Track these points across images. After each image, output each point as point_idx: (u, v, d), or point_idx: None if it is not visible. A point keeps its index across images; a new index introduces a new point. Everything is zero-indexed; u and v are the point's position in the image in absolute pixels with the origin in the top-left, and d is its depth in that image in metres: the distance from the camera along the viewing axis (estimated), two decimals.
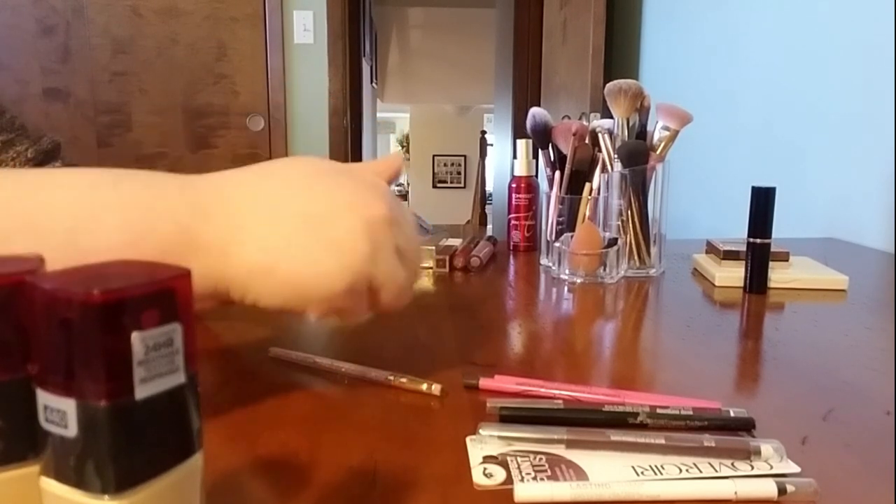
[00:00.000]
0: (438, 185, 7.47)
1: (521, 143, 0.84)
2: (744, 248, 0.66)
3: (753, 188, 0.64)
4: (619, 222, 0.72)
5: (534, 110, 0.79)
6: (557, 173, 0.76)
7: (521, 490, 0.29)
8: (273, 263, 0.34)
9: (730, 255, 0.69)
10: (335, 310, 0.36)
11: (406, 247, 0.38)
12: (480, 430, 0.33)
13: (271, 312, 0.36)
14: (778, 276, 0.66)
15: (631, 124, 0.74)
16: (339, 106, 2.75)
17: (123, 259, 0.21)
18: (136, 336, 0.17)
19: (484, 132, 5.73)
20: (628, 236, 0.72)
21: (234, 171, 0.37)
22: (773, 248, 0.65)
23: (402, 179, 8.20)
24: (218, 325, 0.52)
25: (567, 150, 0.75)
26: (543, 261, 0.76)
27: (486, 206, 5.44)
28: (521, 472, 0.30)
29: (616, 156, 0.72)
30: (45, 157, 0.60)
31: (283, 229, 0.34)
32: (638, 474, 0.30)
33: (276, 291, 0.34)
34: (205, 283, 0.33)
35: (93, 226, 0.31)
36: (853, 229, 1.02)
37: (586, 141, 0.76)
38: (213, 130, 2.73)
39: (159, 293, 0.18)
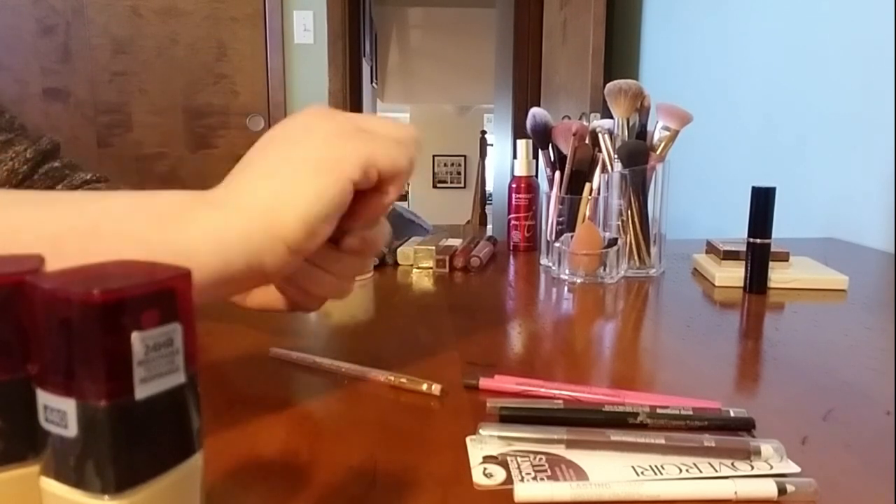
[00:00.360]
0: (438, 185, 7.48)
1: (521, 143, 0.84)
2: (744, 248, 0.66)
3: (753, 188, 0.64)
4: (619, 222, 0.72)
5: (534, 110, 0.79)
6: (557, 173, 0.76)
7: (521, 490, 0.29)
8: (288, 178, 0.33)
9: (730, 255, 0.69)
10: (371, 159, 0.35)
11: (363, 123, 0.37)
12: (480, 430, 0.33)
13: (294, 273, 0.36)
14: (778, 276, 0.66)
15: (631, 124, 0.74)
16: (340, 106, 2.75)
17: (124, 260, 0.21)
18: (136, 336, 0.17)
19: (484, 132, 5.74)
20: (628, 236, 0.72)
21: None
22: (773, 248, 0.65)
23: None
24: (218, 325, 0.52)
25: (567, 150, 0.75)
26: (543, 261, 0.76)
27: (486, 206, 5.44)
28: (521, 472, 0.30)
29: (616, 156, 0.72)
30: (44, 158, 0.60)
31: (281, 167, 0.34)
32: (638, 474, 0.30)
33: (305, 188, 0.33)
34: (228, 232, 0.32)
35: (98, 197, 0.32)
36: (853, 229, 1.02)
37: (586, 141, 0.76)
38: (213, 130, 2.73)
39: (159, 293, 0.18)
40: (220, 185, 0.35)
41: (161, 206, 0.32)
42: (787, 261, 0.69)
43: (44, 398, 0.18)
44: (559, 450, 0.32)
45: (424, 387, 0.39)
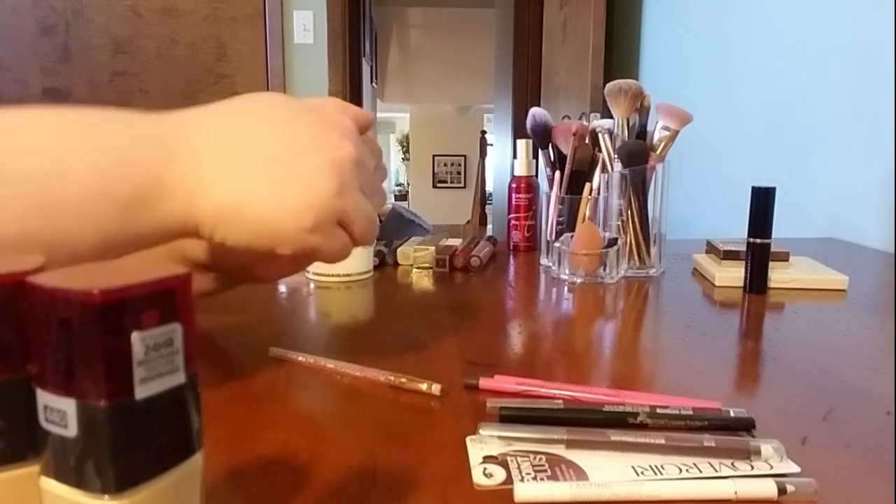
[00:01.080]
0: (438, 185, 7.48)
1: (521, 143, 0.84)
2: (744, 248, 0.66)
3: (753, 188, 0.64)
4: (619, 222, 0.72)
5: (534, 110, 0.79)
6: (557, 173, 0.76)
7: (521, 490, 0.29)
8: (239, 201, 0.34)
9: (730, 255, 0.69)
10: (308, 249, 0.36)
11: (369, 187, 0.39)
12: (480, 430, 0.33)
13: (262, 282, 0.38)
14: (778, 276, 0.66)
15: (631, 124, 0.74)
16: None
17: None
18: (136, 336, 0.17)
19: (484, 132, 5.74)
20: (628, 236, 0.72)
21: (200, 109, 0.36)
22: (773, 248, 0.65)
23: (402, 179, 8.21)
24: (218, 325, 0.52)
25: (567, 150, 0.75)
26: (543, 261, 0.76)
27: (486, 206, 5.44)
28: (521, 472, 0.30)
29: (616, 156, 0.72)
30: None
31: (248, 167, 0.34)
32: (638, 474, 0.30)
33: (242, 229, 0.34)
34: (174, 224, 0.34)
35: (63, 171, 0.31)
36: (853, 229, 1.02)
37: (586, 141, 0.76)
38: None
39: (159, 293, 0.18)
40: (188, 139, 0.34)
41: (124, 198, 0.32)
42: (787, 261, 0.69)
43: (44, 398, 0.18)
44: (559, 450, 0.32)
45: (424, 387, 0.39)
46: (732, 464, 0.31)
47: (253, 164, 0.34)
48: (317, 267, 0.67)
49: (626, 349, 0.51)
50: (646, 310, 0.63)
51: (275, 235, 0.35)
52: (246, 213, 0.34)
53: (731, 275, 0.67)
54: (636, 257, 0.73)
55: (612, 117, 0.75)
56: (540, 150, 0.80)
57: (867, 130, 1.02)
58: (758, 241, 0.65)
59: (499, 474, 0.30)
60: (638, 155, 0.71)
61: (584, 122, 0.76)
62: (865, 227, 0.99)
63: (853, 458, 0.33)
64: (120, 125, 0.34)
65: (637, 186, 0.72)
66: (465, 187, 7.20)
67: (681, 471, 0.31)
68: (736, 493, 0.29)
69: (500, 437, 0.33)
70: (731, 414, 0.35)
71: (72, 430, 0.17)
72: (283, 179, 0.34)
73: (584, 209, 0.72)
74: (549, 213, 0.75)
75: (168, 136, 0.34)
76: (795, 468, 0.31)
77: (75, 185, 0.31)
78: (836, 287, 0.67)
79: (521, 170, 0.85)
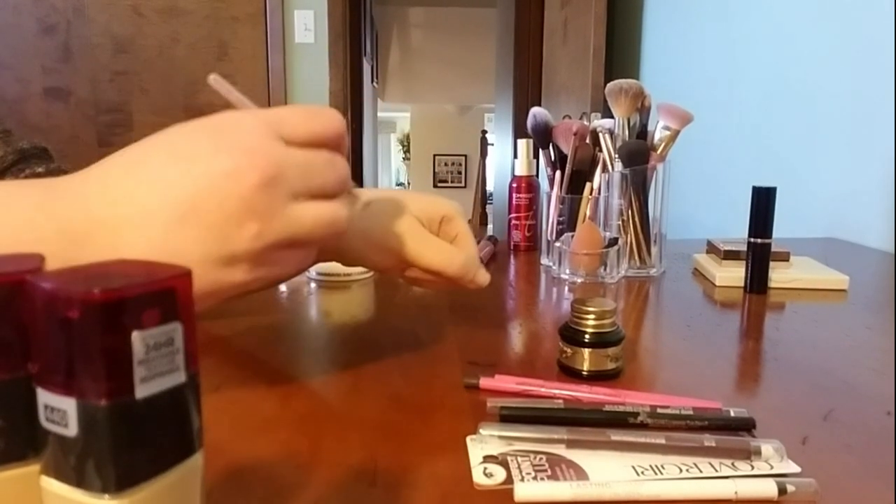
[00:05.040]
0: (439, 184, 7.48)
1: (521, 142, 0.84)
2: (744, 247, 0.66)
3: (754, 188, 0.64)
4: (620, 222, 0.72)
5: (534, 110, 0.79)
6: (558, 173, 0.76)
7: (522, 490, 0.29)
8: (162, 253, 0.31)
9: (730, 255, 0.69)
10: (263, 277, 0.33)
11: (306, 187, 0.34)
12: (481, 430, 0.33)
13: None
14: (778, 275, 0.66)
15: (632, 124, 0.74)
16: (340, 105, 2.75)
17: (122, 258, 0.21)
18: (136, 335, 0.17)
19: (485, 132, 5.74)
20: (629, 236, 0.72)
21: (99, 170, 0.34)
22: (773, 248, 0.65)
23: (403, 179, 8.21)
24: (218, 324, 0.52)
25: (568, 149, 0.75)
26: (544, 260, 0.76)
27: (487, 206, 5.44)
28: (521, 471, 0.30)
29: (617, 155, 0.72)
30: (17, 161, 0.54)
31: (160, 228, 0.32)
32: (638, 474, 0.30)
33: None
34: None
35: None
36: (854, 229, 1.02)
37: (587, 141, 0.76)
38: None
39: (160, 292, 0.18)
40: (91, 218, 0.32)
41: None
42: (787, 261, 0.69)
43: (44, 397, 0.18)
44: (559, 449, 0.32)
45: None
46: (733, 464, 0.31)
47: (164, 221, 0.32)
48: (318, 267, 0.67)
49: (627, 349, 0.51)
50: (646, 310, 0.63)
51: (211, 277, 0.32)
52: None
53: (732, 275, 0.67)
54: (637, 257, 0.73)
55: (612, 117, 0.75)
56: (540, 150, 0.80)
57: (868, 130, 1.02)
58: (758, 240, 0.65)
59: (499, 474, 0.30)
60: (639, 155, 0.71)
61: (585, 122, 0.76)
62: (866, 227, 0.99)
63: (854, 459, 0.33)
64: (14, 206, 0.31)
65: (638, 186, 0.72)
66: (465, 187, 7.20)
67: (681, 471, 0.31)
68: (736, 493, 0.29)
69: (500, 437, 0.33)
70: (732, 414, 0.35)
71: (72, 430, 0.17)
72: (201, 230, 0.32)
73: (585, 209, 0.72)
74: (550, 213, 0.75)
75: (72, 217, 0.31)
76: (796, 468, 0.31)
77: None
78: (836, 287, 0.67)
79: (521, 169, 0.85)
